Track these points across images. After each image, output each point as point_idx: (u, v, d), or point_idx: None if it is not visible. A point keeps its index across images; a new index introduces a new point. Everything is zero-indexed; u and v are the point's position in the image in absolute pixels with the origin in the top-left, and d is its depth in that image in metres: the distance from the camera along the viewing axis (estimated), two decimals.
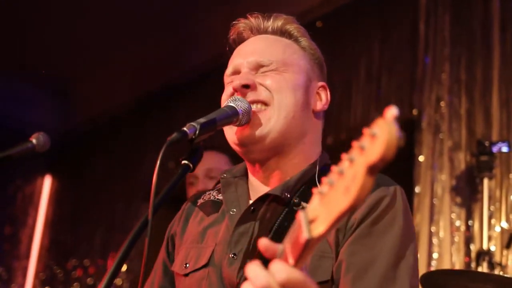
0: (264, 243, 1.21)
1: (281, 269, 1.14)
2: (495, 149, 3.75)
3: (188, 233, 1.91)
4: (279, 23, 1.93)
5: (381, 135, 1.00)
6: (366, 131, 1.03)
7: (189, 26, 6.21)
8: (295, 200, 1.72)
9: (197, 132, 1.64)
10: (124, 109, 7.01)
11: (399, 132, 1.00)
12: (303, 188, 1.76)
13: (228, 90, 1.86)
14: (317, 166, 1.80)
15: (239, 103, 1.77)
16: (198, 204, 1.96)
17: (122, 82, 6.96)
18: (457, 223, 4.03)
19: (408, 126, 4.44)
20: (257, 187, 1.84)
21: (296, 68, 1.85)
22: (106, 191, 6.83)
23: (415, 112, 4.47)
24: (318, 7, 5.29)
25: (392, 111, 1.01)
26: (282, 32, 1.92)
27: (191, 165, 1.65)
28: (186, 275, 1.80)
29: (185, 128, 1.64)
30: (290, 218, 1.69)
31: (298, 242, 1.14)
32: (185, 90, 6.45)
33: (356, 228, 1.61)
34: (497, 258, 3.73)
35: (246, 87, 1.80)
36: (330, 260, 1.61)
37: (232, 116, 1.75)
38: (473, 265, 3.83)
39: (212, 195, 1.96)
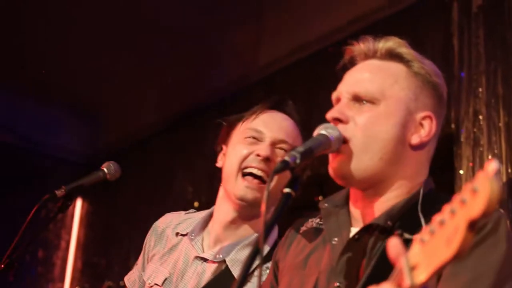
0: (394, 241, 1.25)
1: None
2: None
3: (290, 258, 1.97)
4: (386, 46, 1.95)
5: (482, 191, 1.01)
6: (467, 185, 1.05)
7: (215, 45, 6.26)
8: (398, 231, 1.75)
9: (297, 161, 1.71)
10: (152, 130, 7.06)
11: (500, 186, 1.01)
12: (405, 216, 1.81)
13: None
14: (421, 193, 1.84)
15: (330, 131, 1.84)
16: (300, 231, 2.03)
17: (150, 103, 7.00)
18: None
19: (447, 140, 4.49)
20: (358, 215, 1.90)
21: (393, 101, 1.88)
22: (136, 212, 6.86)
23: (453, 126, 4.51)
24: (348, 24, 5.34)
25: (492, 166, 1.03)
26: (391, 56, 1.94)
27: (293, 193, 1.72)
28: None
29: (286, 158, 1.71)
30: None
31: (402, 286, 1.20)
32: (213, 110, 6.49)
33: None
34: None
35: (338, 120, 1.86)
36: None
37: (325, 144, 1.82)
38: None
39: (315, 222, 2.02)
